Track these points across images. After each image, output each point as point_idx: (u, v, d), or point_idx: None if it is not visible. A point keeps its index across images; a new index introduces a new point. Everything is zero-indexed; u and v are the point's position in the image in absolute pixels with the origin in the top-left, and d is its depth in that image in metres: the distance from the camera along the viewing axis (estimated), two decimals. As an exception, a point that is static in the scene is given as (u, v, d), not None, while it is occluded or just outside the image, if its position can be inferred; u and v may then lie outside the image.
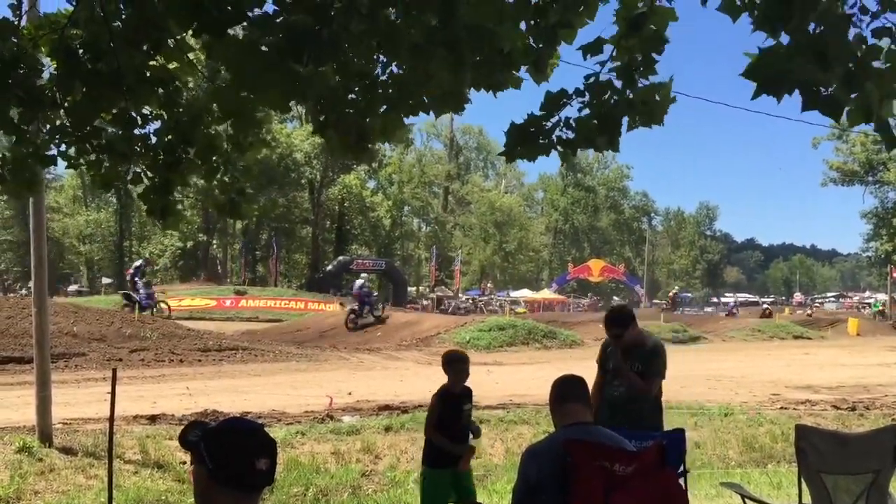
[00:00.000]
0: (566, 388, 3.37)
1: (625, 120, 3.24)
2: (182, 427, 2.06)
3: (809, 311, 56.51)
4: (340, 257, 55.10)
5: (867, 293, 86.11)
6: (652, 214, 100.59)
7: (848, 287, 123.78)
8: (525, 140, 3.28)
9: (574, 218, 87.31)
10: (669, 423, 10.24)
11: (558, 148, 3.30)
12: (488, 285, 66.26)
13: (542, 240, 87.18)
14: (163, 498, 6.87)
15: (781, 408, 12.10)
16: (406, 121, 3.45)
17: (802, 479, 4.52)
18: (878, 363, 20.12)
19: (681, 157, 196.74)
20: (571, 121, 3.25)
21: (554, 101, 3.24)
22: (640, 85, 3.14)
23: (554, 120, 3.26)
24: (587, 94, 3.18)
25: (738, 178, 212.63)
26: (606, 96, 3.16)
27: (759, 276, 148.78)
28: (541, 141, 3.29)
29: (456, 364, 5.10)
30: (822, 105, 2.32)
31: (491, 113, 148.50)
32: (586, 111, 3.21)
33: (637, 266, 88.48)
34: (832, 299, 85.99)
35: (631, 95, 3.14)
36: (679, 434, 4.65)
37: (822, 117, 2.34)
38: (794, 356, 22.84)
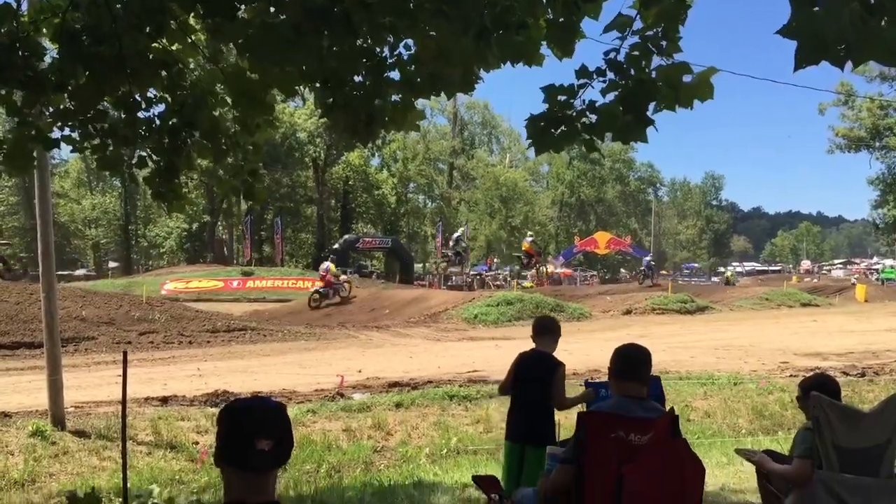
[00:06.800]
0: (624, 366, 3.30)
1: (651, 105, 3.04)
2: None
3: (816, 279, 56.33)
4: (346, 235, 55.04)
5: (875, 259, 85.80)
6: (658, 185, 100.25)
7: (855, 253, 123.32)
8: (548, 130, 3.10)
9: (580, 191, 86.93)
10: (680, 392, 10.29)
11: (584, 135, 3.12)
12: (495, 260, 66.18)
13: (548, 213, 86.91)
14: (177, 477, 6.94)
15: (790, 375, 12.10)
16: (418, 104, 3.37)
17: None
18: (887, 329, 20.07)
19: (686, 127, 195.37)
20: (596, 105, 3.07)
21: (564, 92, 3.06)
22: (662, 63, 2.97)
23: (577, 104, 3.08)
24: (609, 72, 2.99)
25: (744, 147, 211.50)
26: (633, 73, 2.97)
27: (766, 244, 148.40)
28: (563, 129, 3.10)
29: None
30: (879, 52, 2.07)
31: (495, 87, 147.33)
32: (610, 95, 3.02)
33: (643, 237, 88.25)
34: (840, 266, 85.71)
35: (654, 74, 2.97)
36: (655, 380, 4.57)
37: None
38: (802, 324, 22.79)
